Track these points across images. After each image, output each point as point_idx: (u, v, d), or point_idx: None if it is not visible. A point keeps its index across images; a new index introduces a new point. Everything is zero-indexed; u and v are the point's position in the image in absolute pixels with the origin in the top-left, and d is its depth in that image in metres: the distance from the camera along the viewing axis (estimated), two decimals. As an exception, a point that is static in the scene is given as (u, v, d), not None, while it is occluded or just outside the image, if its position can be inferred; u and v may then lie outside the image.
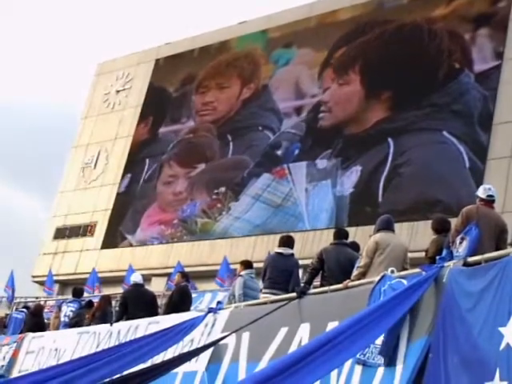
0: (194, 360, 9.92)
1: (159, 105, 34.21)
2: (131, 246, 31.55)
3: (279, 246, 10.99)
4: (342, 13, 29.18)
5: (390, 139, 25.40)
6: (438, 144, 24.29)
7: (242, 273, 11.57)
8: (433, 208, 22.54)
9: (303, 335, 8.67)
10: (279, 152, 28.50)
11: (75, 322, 14.82)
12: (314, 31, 29.65)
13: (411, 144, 24.87)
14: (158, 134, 33.70)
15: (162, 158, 32.61)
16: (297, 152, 27.93)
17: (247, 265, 11.76)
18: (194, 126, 32.48)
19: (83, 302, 16.19)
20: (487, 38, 24.94)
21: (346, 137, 26.76)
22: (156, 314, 12.93)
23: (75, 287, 17.72)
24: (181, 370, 9.82)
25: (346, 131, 26.89)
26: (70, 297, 17.45)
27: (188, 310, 12.36)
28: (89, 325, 13.93)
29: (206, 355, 9.87)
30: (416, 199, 23.66)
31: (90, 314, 14.50)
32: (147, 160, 33.27)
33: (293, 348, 8.56)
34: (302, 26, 30.17)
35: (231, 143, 30.50)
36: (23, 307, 18.86)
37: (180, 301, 12.69)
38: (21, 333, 16.00)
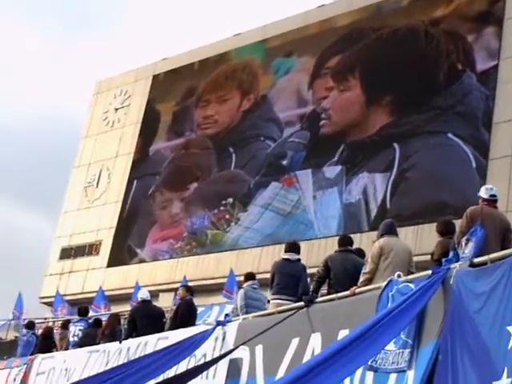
0: (211, 377, 9.93)
1: (151, 125, 34.30)
2: (140, 262, 31.49)
3: (285, 251, 11.02)
4: (340, 19, 29.05)
5: (395, 144, 25.22)
6: (444, 147, 24.11)
7: (244, 285, 11.74)
8: (441, 211, 22.26)
9: (315, 345, 8.66)
10: (285, 162, 28.37)
11: (84, 341, 14.77)
12: (313, 39, 29.53)
13: (417, 148, 24.68)
14: (148, 153, 33.85)
15: (153, 187, 32.67)
16: (302, 160, 27.82)
17: (249, 277, 11.89)
18: (184, 142, 32.60)
19: (90, 321, 16.15)
20: (487, 37, 24.80)
21: (350, 143, 26.57)
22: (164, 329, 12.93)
23: (80, 306, 17.66)
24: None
25: (349, 137, 26.72)
26: (76, 317, 17.41)
27: (194, 324, 12.37)
28: (98, 343, 13.91)
29: (222, 372, 9.88)
30: (424, 203, 23.45)
31: (100, 332, 14.48)
32: (135, 181, 33.51)
33: (306, 359, 8.53)
34: (301, 34, 30.08)
35: (233, 155, 30.44)
36: (24, 325, 18.77)
37: (188, 315, 12.69)
38: (31, 354, 15.99)
